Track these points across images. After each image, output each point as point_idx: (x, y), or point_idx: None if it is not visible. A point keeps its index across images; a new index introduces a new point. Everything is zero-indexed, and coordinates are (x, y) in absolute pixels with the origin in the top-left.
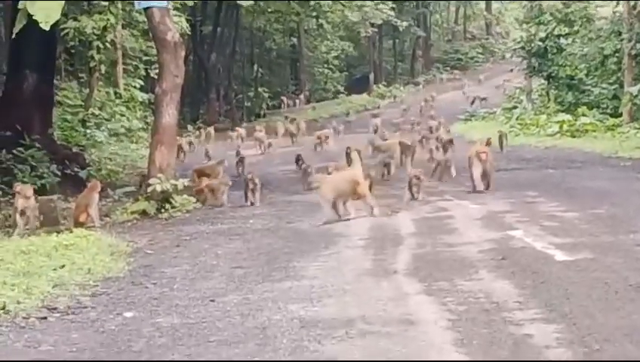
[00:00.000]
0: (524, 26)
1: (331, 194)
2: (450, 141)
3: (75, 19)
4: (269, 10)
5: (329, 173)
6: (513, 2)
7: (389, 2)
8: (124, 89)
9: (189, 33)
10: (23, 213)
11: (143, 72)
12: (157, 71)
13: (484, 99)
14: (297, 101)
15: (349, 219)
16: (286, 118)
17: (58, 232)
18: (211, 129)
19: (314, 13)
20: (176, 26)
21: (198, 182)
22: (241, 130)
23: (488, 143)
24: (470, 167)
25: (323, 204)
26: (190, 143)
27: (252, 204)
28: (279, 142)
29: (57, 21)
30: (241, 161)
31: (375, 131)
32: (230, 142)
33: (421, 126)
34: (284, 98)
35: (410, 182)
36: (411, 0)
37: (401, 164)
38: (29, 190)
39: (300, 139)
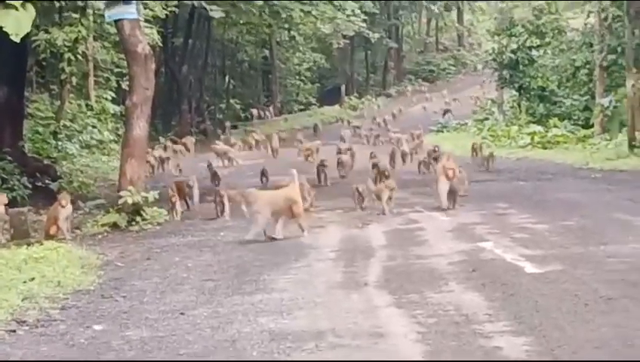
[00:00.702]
0: (496, 37)
1: (267, 212)
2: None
3: (46, 31)
4: (241, 22)
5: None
6: (485, 14)
7: (361, 14)
8: (96, 101)
9: (161, 45)
10: None
11: (114, 84)
12: (128, 83)
13: (448, 111)
14: (267, 113)
15: (276, 239)
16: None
17: (28, 245)
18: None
19: (286, 25)
20: (147, 38)
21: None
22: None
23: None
24: (436, 183)
25: (256, 220)
26: (161, 159)
27: (221, 215)
28: (251, 154)
29: (28, 33)
30: (214, 174)
31: (343, 141)
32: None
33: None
34: (253, 110)
35: (353, 193)
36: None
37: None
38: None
39: (267, 152)
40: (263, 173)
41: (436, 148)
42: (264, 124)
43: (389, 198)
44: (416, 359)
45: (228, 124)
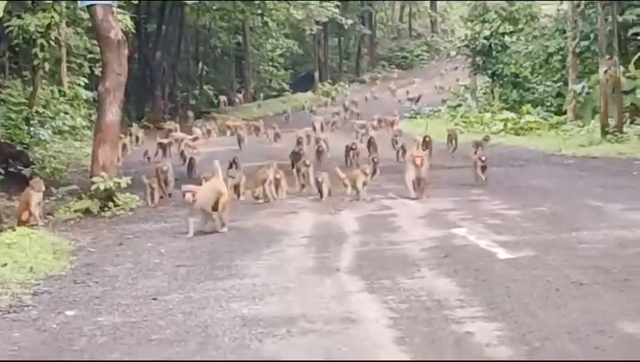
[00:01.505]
0: (469, 24)
1: (200, 205)
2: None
3: (18, 16)
4: (214, 8)
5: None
6: (457, 1)
7: (334, 0)
8: (69, 87)
9: (134, 31)
10: None
11: (87, 70)
12: (101, 69)
13: (417, 99)
14: (236, 99)
15: (210, 233)
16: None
17: (0, 231)
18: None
19: (259, 11)
20: (120, 24)
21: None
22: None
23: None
24: (404, 172)
25: (193, 214)
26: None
27: None
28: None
29: (0, 19)
30: (190, 162)
31: (314, 129)
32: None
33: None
34: (222, 97)
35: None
36: None
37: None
38: None
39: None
40: (234, 162)
41: (427, 138)
42: (237, 110)
43: (364, 184)
44: (389, 346)
45: (190, 113)
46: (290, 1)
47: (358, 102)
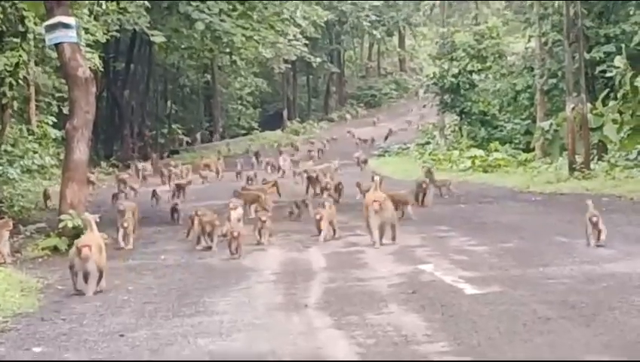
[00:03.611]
0: (437, 62)
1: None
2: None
3: None
4: (183, 46)
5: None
6: (426, 39)
7: (303, 39)
8: (37, 126)
9: (102, 70)
10: None
11: (55, 109)
12: (69, 106)
13: (386, 137)
14: (195, 138)
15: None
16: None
17: None
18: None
19: (227, 50)
20: (88, 63)
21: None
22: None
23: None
24: (366, 218)
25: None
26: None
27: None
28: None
29: None
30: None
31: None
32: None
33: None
34: (183, 137)
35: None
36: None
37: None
38: None
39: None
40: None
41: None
42: (207, 148)
43: (330, 223)
44: None
45: (154, 155)
46: (258, 40)
47: (328, 141)
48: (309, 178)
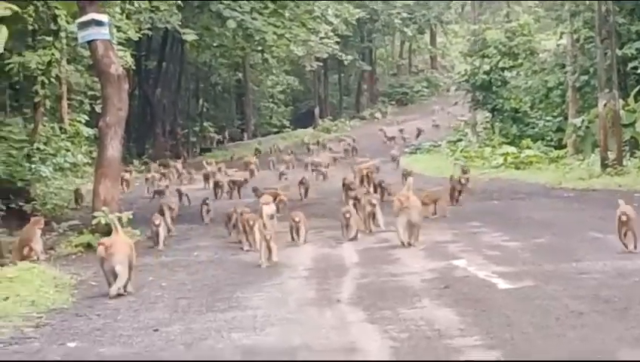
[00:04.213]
0: (469, 59)
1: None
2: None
3: (19, 54)
4: (214, 45)
5: None
6: (457, 36)
7: (335, 37)
8: (70, 124)
9: (134, 68)
10: None
11: (87, 107)
12: (102, 104)
13: (392, 138)
14: (225, 137)
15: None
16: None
17: (2, 266)
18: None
19: (259, 48)
20: (120, 61)
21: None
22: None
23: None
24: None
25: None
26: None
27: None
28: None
29: (1, 56)
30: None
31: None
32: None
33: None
34: (214, 136)
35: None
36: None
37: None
38: None
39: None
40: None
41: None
42: (238, 146)
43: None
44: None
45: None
46: (290, 38)
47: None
48: (361, 176)
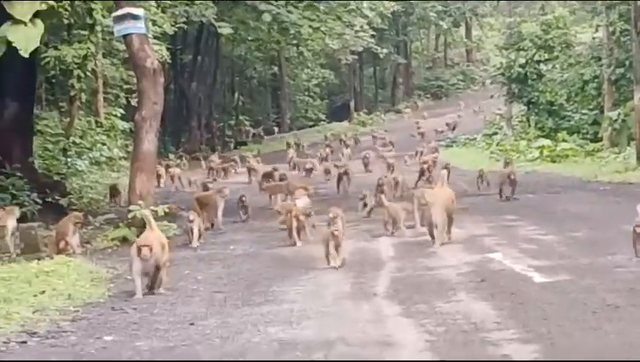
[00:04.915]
0: (504, 52)
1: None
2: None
3: (55, 48)
4: (250, 38)
5: None
6: (493, 29)
7: (370, 30)
8: (105, 118)
9: (170, 62)
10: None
11: (123, 101)
12: (137, 98)
13: (453, 128)
14: (254, 132)
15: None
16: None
17: (39, 259)
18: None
19: (294, 42)
20: (156, 54)
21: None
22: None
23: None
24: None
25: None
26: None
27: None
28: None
29: (38, 50)
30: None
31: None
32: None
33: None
34: (250, 129)
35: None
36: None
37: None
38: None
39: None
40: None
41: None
42: (274, 140)
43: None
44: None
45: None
46: (325, 31)
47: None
48: (421, 169)
